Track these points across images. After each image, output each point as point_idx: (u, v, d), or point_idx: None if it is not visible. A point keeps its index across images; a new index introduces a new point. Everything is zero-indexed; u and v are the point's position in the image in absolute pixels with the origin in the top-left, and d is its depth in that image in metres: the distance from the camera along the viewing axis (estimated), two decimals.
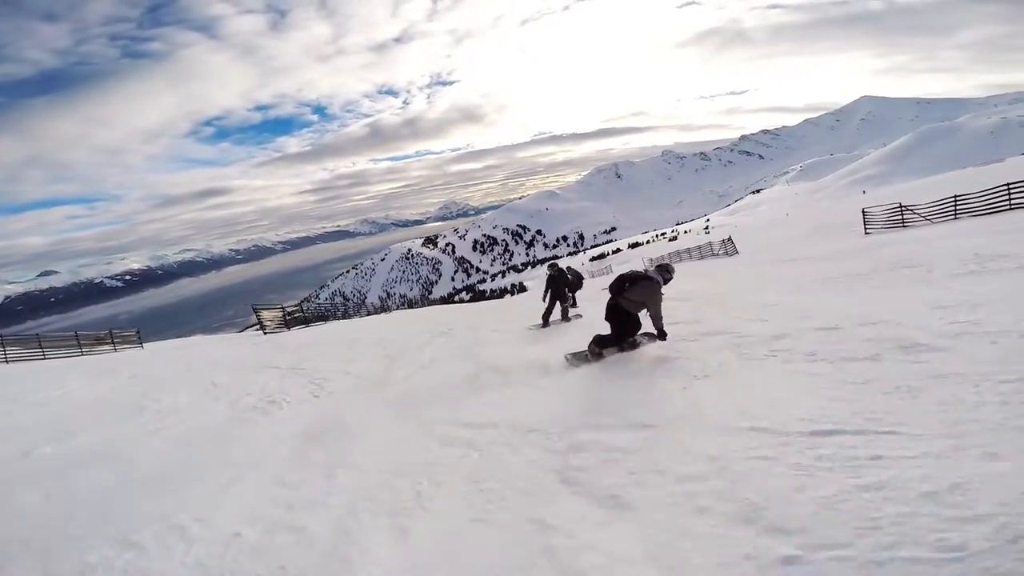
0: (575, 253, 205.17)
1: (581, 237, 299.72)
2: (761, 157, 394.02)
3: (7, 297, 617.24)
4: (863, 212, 19.29)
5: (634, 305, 5.39)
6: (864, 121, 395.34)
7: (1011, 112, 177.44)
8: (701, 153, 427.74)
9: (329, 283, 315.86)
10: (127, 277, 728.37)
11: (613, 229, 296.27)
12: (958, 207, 16.06)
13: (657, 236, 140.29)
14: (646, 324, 5.69)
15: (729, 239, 27.74)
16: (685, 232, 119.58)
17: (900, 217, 17.81)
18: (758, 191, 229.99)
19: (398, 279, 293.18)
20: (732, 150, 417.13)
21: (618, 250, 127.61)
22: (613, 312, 5.52)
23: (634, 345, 5.70)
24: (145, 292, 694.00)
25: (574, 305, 10.04)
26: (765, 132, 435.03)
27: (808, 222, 32.47)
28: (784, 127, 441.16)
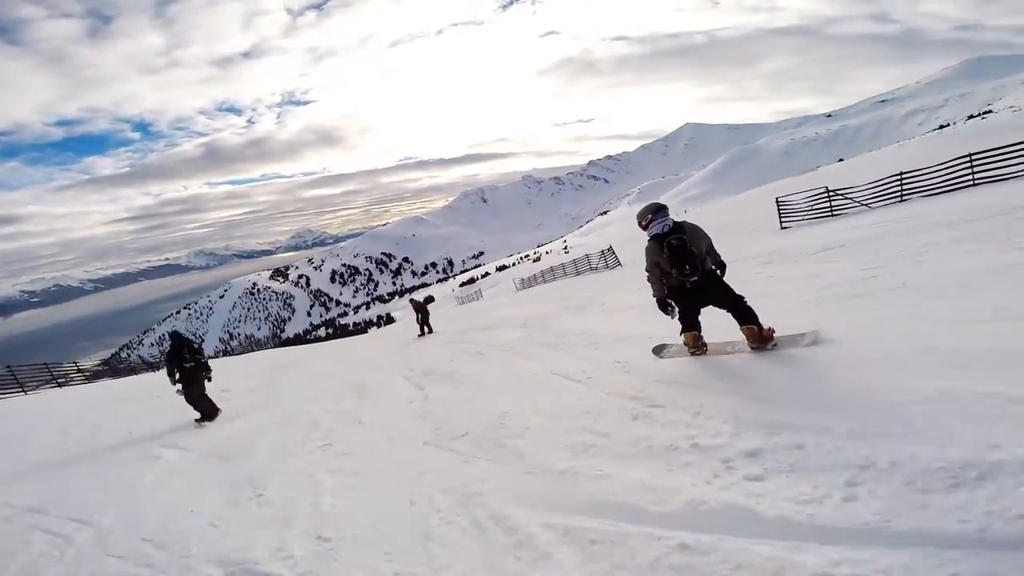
0: (445, 279, 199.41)
1: (450, 263, 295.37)
2: (607, 181, 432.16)
3: None
4: (778, 203, 16.11)
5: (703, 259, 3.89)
6: (687, 146, 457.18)
7: (798, 134, 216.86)
8: (556, 178, 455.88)
9: (155, 326, 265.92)
10: None
11: (481, 253, 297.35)
12: (905, 187, 13.08)
13: (522, 258, 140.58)
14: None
15: (610, 249, 23.80)
16: (547, 253, 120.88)
17: (828, 205, 14.74)
18: (605, 212, 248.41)
19: (242, 318, 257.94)
20: (582, 175, 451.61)
21: (487, 274, 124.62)
22: (698, 292, 3.94)
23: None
24: None
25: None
26: (609, 158, 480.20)
27: (705, 223, 30.48)
28: (624, 153, 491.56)
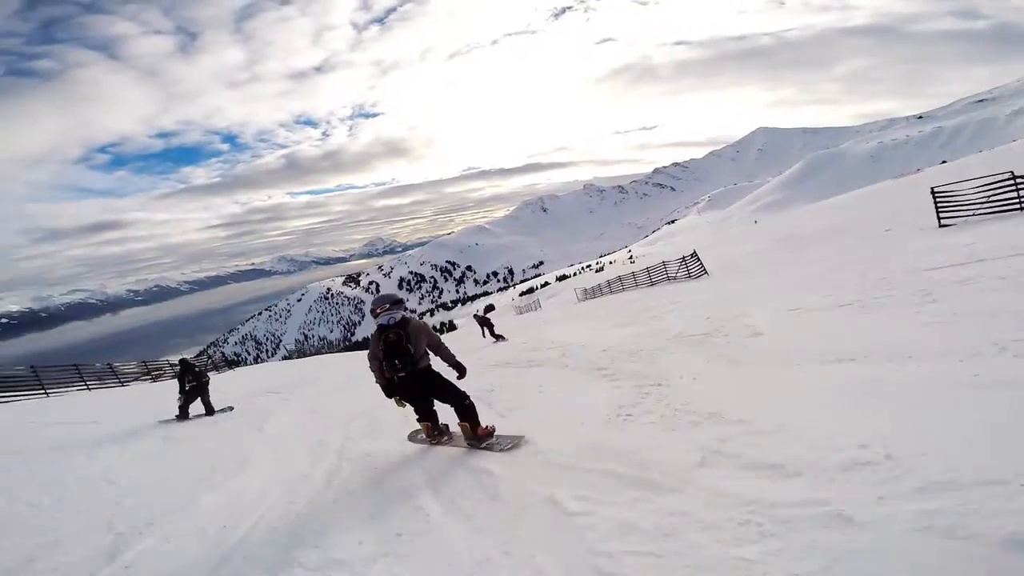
0: (505, 288, 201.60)
1: (511, 272, 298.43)
2: (673, 189, 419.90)
3: None
4: (934, 194, 13.49)
5: (426, 358, 4.10)
6: (761, 151, 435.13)
7: (885, 137, 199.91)
8: (619, 186, 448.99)
9: (240, 326, 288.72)
10: (3, 320, 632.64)
11: (541, 263, 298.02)
12: None
13: (583, 268, 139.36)
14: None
15: (693, 256, 21.82)
16: (611, 263, 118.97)
17: (1015, 195, 12.14)
18: (672, 221, 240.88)
19: (317, 321, 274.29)
20: (647, 183, 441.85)
21: (546, 284, 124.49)
22: (416, 386, 4.11)
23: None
24: (25, 336, 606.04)
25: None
26: (675, 165, 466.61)
27: (782, 230, 28.48)
28: (692, 160, 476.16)
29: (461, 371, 4.26)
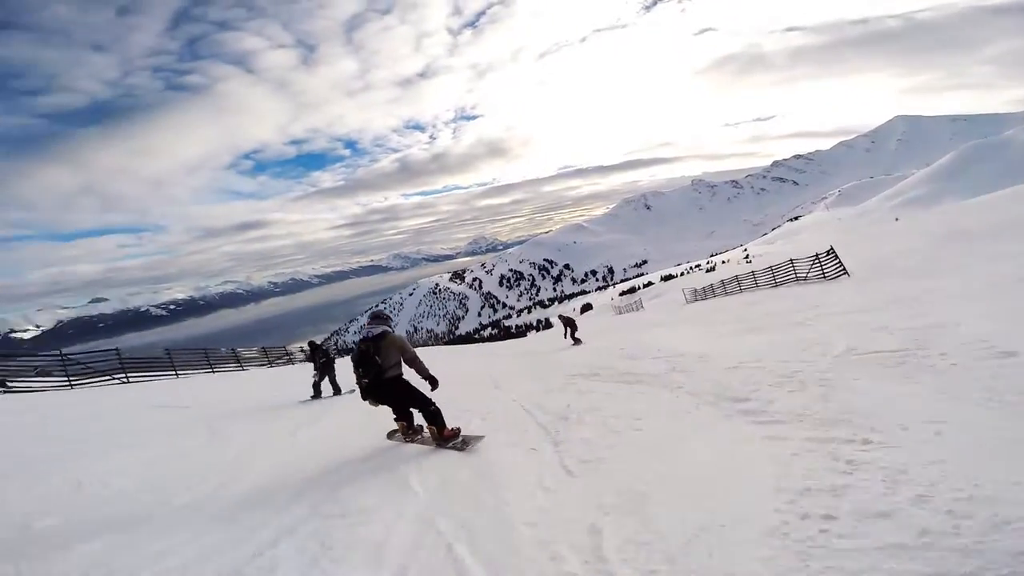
0: (604, 287, 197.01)
1: (610, 271, 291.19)
2: (796, 183, 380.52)
3: (59, 322, 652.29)
4: None
5: (396, 368, 4.62)
6: (901, 142, 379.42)
7: None
8: (732, 181, 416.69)
9: (359, 317, 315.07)
10: (171, 307, 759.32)
11: (644, 262, 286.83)
12: None
13: (692, 268, 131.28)
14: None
15: (829, 253, 18.72)
16: (724, 262, 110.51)
17: None
18: (796, 218, 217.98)
19: (426, 314, 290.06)
20: (765, 177, 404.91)
21: (650, 283, 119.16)
22: (385, 392, 4.63)
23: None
24: (187, 322, 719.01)
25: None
26: (798, 157, 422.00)
27: (939, 226, 23.76)
28: (818, 151, 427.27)
29: (432, 383, 4.63)
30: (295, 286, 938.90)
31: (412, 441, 4.89)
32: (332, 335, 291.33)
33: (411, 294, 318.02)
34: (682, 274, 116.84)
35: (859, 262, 18.60)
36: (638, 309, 40.33)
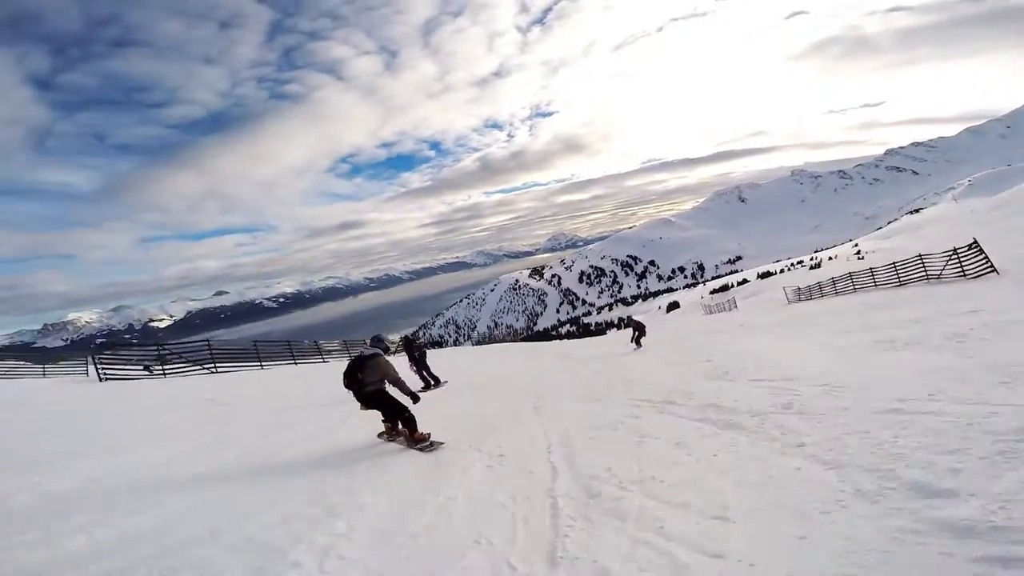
0: (693, 285, 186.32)
1: (700, 267, 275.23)
2: (915, 173, 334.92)
3: (188, 312, 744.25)
4: None
5: (376, 384, 5.42)
6: None
7: None
8: (840, 171, 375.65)
9: (444, 311, 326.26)
10: (280, 299, 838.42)
11: (738, 258, 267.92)
12: None
13: (793, 264, 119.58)
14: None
15: (972, 246, 15.04)
16: (830, 258, 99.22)
17: None
18: (917, 211, 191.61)
19: (506, 310, 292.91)
20: (878, 166, 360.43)
21: (745, 281, 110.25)
22: (369, 401, 5.51)
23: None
24: (293, 313, 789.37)
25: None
26: (917, 145, 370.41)
27: None
28: (941, 138, 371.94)
29: (413, 399, 5.44)
30: (388, 281, 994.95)
31: (392, 440, 5.68)
32: (420, 328, 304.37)
33: (492, 290, 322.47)
34: (782, 271, 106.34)
35: (1009, 258, 14.67)
36: (730, 309, 36.30)
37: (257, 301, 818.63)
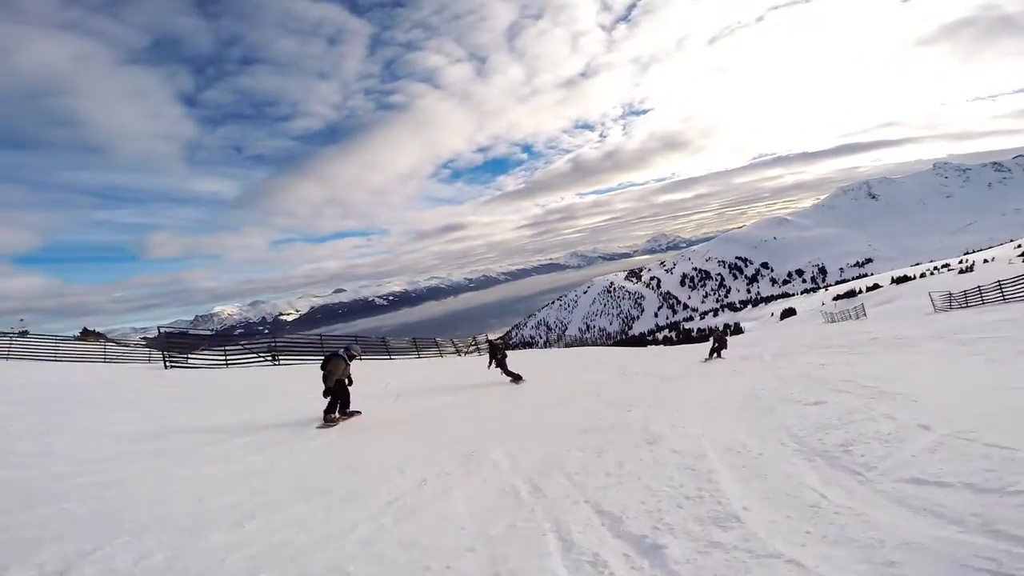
0: (812, 290, 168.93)
1: (822, 271, 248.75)
2: None
3: (312, 307, 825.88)
4: None
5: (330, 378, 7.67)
6: None
7: None
8: (995, 163, 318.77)
9: (536, 313, 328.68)
10: (390, 297, 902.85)
11: (868, 261, 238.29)
12: None
13: (938, 268, 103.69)
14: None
15: None
16: (986, 261, 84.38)
17: None
18: None
19: (599, 312, 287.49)
20: None
21: (876, 286, 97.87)
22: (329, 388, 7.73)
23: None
24: (401, 311, 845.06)
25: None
26: None
27: None
28: None
29: (326, 393, 7.66)
30: (485, 282, 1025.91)
31: (329, 424, 7.37)
32: (512, 328, 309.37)
33: (585, 292, 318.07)
34: (923, 275, 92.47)
35: None
36: (859, 317, 31.93)
37: (370, 299, 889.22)
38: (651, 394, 9.13)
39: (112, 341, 15.99)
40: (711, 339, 16.24)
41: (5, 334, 20.22)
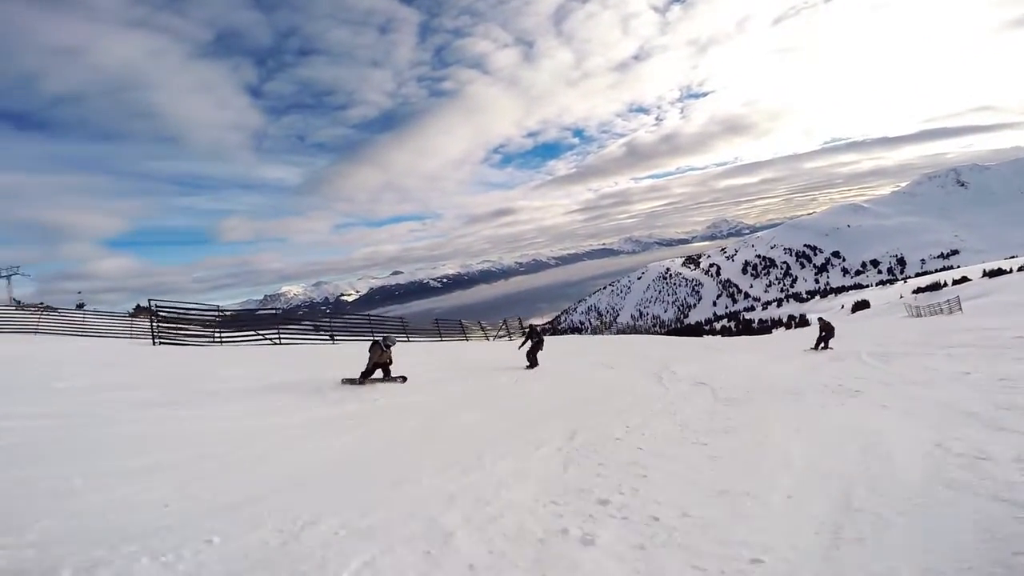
0: (889, 282, 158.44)
1: (901, 261, 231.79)
2: None
3: (371, 288, 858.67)
4: None
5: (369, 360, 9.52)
6: None
7: None
8: None
9: (587, 298, 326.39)
10: (444, 280, 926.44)
11: (953, 252, 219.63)
12: None
13: None
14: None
15: None
16: None
17: None
18: None
19: (653, 299, 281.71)
20: None
21: (964, 279, 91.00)
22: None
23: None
24: (454, 293, 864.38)
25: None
26: None
27: None
28: None
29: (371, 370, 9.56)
30: (536, 266, 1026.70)
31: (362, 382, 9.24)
32: (562, 313, 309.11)
33: (639, 278, 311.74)
34: (1021, 268, 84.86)
35: None
36: (952, 312, 30.68)
37: (425, 281, 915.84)
38: (692, 436, 6.00)
39: (162, 318, 15.24)
40: (819, 328, 15.75)
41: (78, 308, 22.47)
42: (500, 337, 26.05)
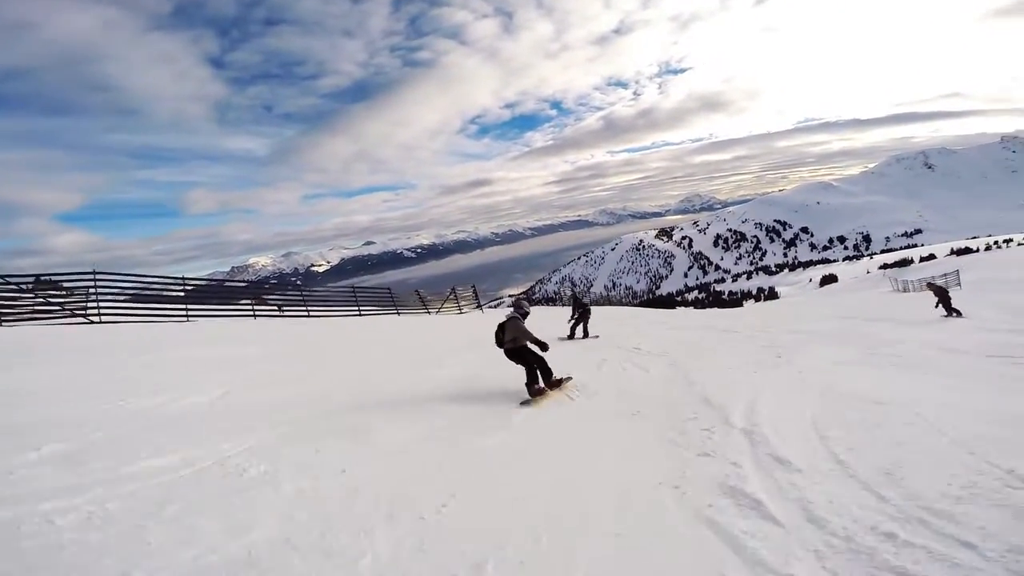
0: (856, 257, 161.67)
1: (866, 239, 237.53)
2: None
3: (342, 259, 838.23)
4: None
5: (515, 342, 6.15)
6: None
7: None
8: None
9: (561, 268, 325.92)
10: (418, 250, 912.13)
11: (917, 231, 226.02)
12: None
13: (1000, 243, 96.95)
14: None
15: None
16: None
17: None
18: None
19: (626, 270, 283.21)
20: None
21: (931, 256, 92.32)
22: (512, 357, 6.25)
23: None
24: (428, 263, 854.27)
25: None
26: None
27: None
28: None
29: (543, 347, 6.25)
30: (512, 237, 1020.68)
31: (537, 401, 5.82)
32: (537, 283, 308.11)
33: (613, 249, 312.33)
34: (988, 247, 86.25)
35: None
36: (950, 287, 28.95)
37: (399, 251, 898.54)
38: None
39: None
40: (935, 294, 14.30)
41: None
42: (444, 310, 22.07)
